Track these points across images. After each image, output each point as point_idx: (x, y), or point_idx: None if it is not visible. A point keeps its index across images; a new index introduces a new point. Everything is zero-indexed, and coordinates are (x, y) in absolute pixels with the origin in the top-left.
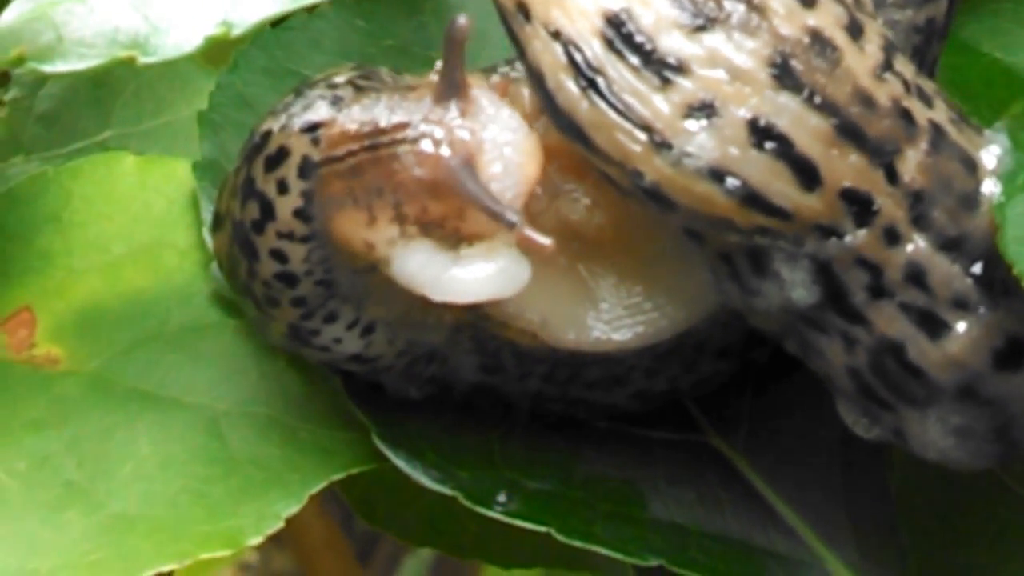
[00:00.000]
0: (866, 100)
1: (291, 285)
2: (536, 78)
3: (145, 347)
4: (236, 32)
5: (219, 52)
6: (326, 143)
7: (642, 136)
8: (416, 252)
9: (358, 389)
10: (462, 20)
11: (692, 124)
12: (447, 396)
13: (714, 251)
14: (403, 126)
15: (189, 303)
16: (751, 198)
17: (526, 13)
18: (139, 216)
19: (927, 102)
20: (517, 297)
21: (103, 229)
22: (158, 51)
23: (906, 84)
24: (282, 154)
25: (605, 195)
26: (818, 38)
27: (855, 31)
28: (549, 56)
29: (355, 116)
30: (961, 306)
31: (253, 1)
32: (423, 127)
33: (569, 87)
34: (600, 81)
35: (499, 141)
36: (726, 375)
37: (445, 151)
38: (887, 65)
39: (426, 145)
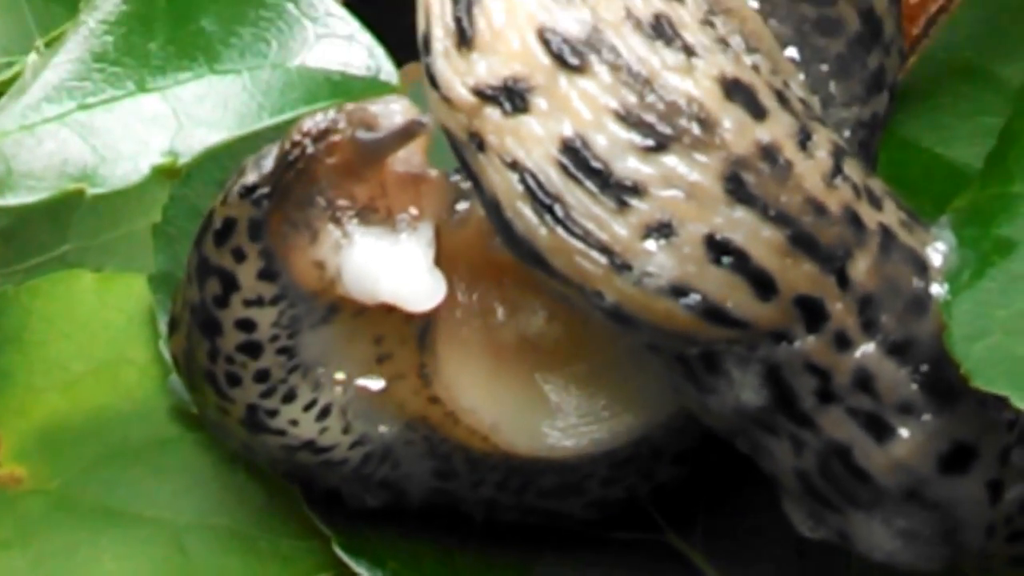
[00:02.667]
0: (818, 208)
1: (255, 356)
2: (492, 206)
3: (107, 464)
4: (183, 161)
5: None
6: (264, 196)
7: (602, 259)
8: (360, 248)
9: (317, 498)
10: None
11: (651, 244)
12: (404, 504)
13: (670, 356)
14: (308, 132)
15: (149, 418)
16: (711, 313)
17: (480, 143)
18: (98, 333)
19: (876, 204)
20: (469, 393)
21: (63, 347)
22: (106, 182)
23: (855, 188)
24: (228, 224)
25: (561, 308)
26: (768, 150)
27: (804, 139)
28: (505, 185)
29: (272, 153)
30: (907, 411)
31: (199, 131)
32: (323, 123)
33: (527, 215)
34: (558, 208)
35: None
36: (682, 480)
37: (345, 129)
38: (837, 170)
39: (331, 136)
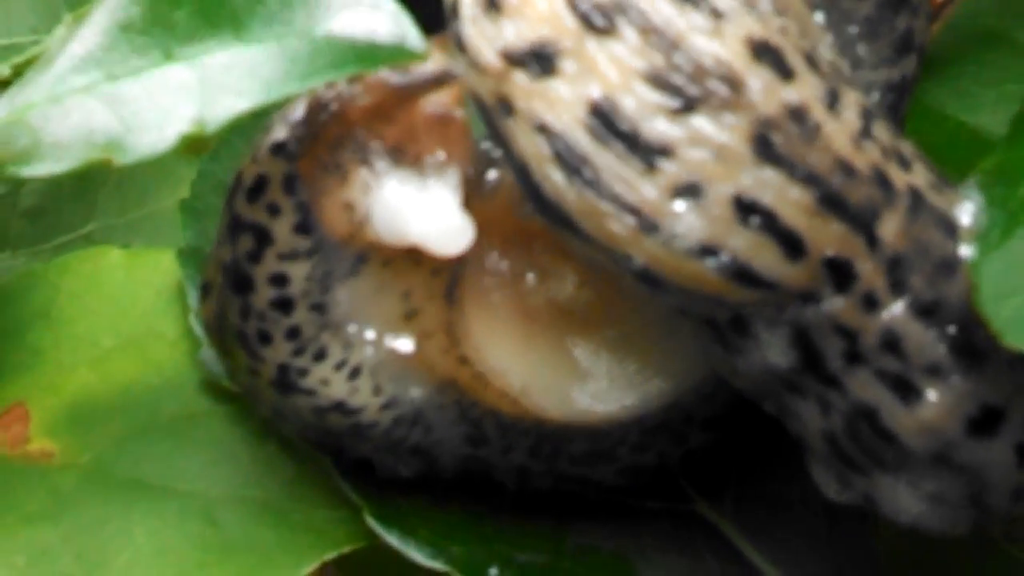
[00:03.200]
0: (846, 168)
1: (287, 312)
2: (521, 171)
3: (137, 438)
4: (210, 129)
5: (200, 139)
6: (295, 150)
7: (631, 221)
8: (389, 189)
9: (349, 469)
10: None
11: (679, 205)
12: (436, 472)
13: (700, 320)
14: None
15: (179, 392)
16: (740, 274)
17: (508, 108)
18: (127, 309)
19: (906, 166)
20: (499, 354)
21: (92, 323)
22: (133, 152)
23: (884, 149)
24: (260, 181)
25: (592, 273)
26: (797, 111)
27: (832, 101)
28: (534, 149)
29: (301, 104)
30: (935, 373)
31: (226, 98)
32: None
33: (556, 178)
34: (586, 170)
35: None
36: (713, 447)
37: (379, 73)
38: (865, 132)
39: (365, 78)
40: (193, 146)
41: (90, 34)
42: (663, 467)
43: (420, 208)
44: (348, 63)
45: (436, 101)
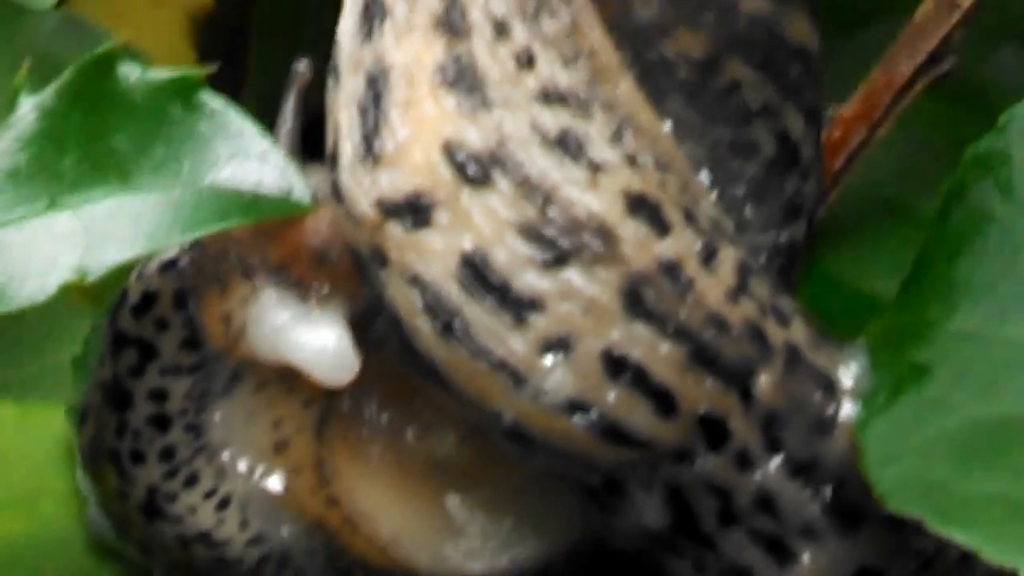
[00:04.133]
0: (719, 324)
1: (163, 430)
2: (394, 323)
3: None
4: (92, 278)
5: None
6: (186, 266)
7: (500, 376)
8: (267, 303)
9: None
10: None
11: (548, 360)
12: None
13: (575, 481)
14: None
15: (65, 550)
16: (610, 432)
17: (382, 259)
18: (17, 465)
19: (784, 322)
20: (370, 499)
21: None
22: (13, 300)
23: (761, 306)
24: (150, 297)
25: (472, 431)
26: (670, 266)
27: (708, 256)
28: (406, 301)
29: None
30: (809, 534)
31: (109, 248)
32: None
33: (426, 331)
34: (457, 323)
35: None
36: None
37: None
38: (742, 288)
39: None
40: (86, 295)
41: None
42: None
43: (301, 330)
44: (233, 214)
45: (319, 233)
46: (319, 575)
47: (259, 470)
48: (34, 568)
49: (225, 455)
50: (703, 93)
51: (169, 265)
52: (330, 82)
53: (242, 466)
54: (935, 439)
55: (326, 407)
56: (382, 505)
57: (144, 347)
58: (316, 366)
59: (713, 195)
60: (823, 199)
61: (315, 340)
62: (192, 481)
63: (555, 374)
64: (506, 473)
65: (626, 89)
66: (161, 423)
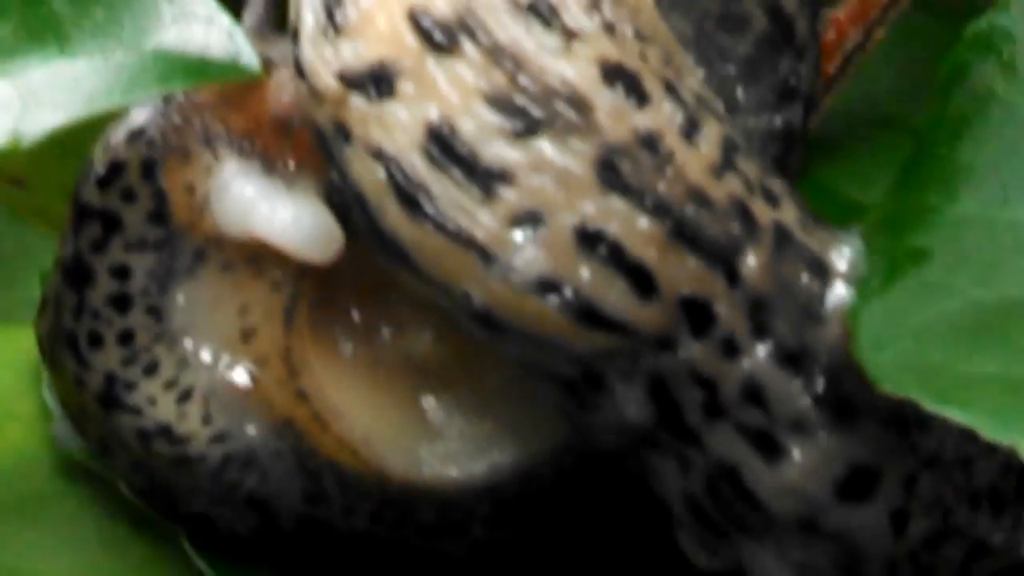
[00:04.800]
0: (701, 199)
1: (122, 311)
2: (358, 202)
3: None
4: (26, 143)
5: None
6: (154, 135)
7: (468, 254)
8: (232, 176)
9: (202, 545)
10: None
11: (518, 235)
12: (276, 532)
13: (553, 377)
14: None
15: (31, 474)
16: (585, 312)
17: (346, 134)
18: None
19: (773, 202)
20: (341, 396)
21: None
22: None
23: (748, 183)
24: (116, 167)
25: (451, 328)
26: (648, 138)
27: (691, 130)
28: (370, 177)
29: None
30: (799, 428)
31: (44, 112)
32: None
33: (391, 209)
34: (423, 198)
35: None
36: (576, 533)
37: None
38: (727, 163)
39: None
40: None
41: None
42: (523, 547)
43: (272, 202)
44: (176, 77)
45: (280, 102)
46: (287, 478)
47: (224, 361)
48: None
49: (188, 343)
50: None
51: (137, 134)
52: None
53: (206, 356)
54: (933, 322)
55: (295, 292)
56: (354, 402)
57: (109, 219)
58: (291, 239)
59: (701, 73)
60: (818, 101)
61: (287, 212)
62: (152, 369)
63: (525, 250)
64: (485, 374)
65: None
66: (121, 303)
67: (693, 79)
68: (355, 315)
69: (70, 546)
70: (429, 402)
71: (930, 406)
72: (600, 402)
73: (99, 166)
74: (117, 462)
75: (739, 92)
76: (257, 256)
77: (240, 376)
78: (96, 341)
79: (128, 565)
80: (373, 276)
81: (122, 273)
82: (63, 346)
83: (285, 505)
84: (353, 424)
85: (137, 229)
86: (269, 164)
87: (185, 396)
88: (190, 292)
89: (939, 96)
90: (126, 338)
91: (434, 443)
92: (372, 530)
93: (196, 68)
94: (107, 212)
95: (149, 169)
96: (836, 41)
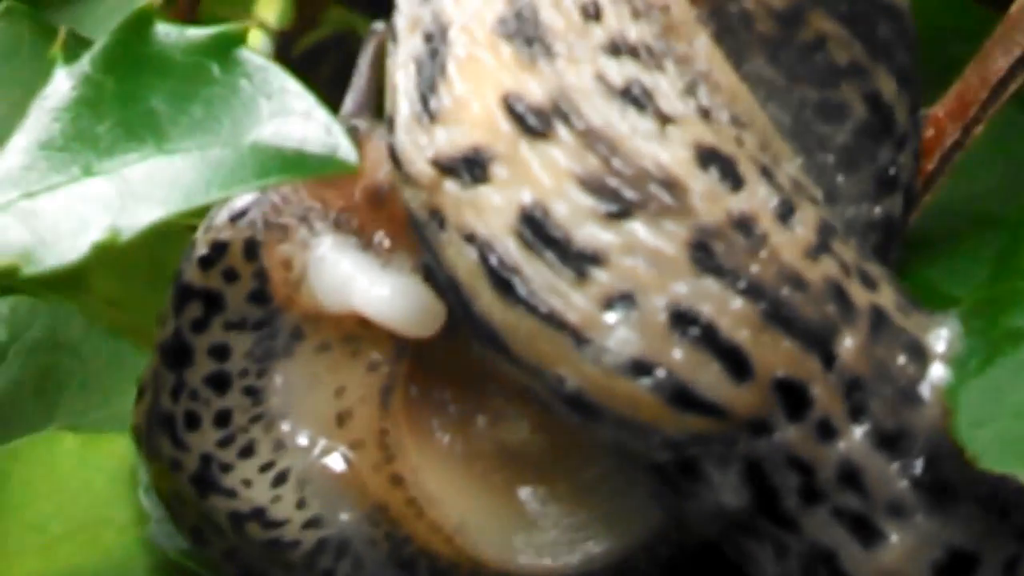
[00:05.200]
0: (796, 281)
1: (221, 391)
2: (452, 288)
3: None
4: (124, 238)
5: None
6: (256, 216)
7: (561, 336)
8: (329, 251)
9: None
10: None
11: (611, 317)
12: None
13: (648, 465)
14: None
15: None
16: (678, 394)
17: (440, 220)
18: (78, 494)
19: (870, 285)
20: (437, 482)
21: (42, 509)
22: (44, 261)
23: (844, 266)
24: (219, 248)
25: (548, 419)
26: (742, 220)
27: (786, 213)
28: (463, 261)
29: None
30: (897, 511)
31: (143, 207)
32: None
33: (485, 292)
34: (516, 282)
35: None
36: None
37: None
38: (823, 246)
39: None
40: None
41: (11, 155)
42: None
43: (369, 276)
44: (274, 172)
45: (374, 176)
46: (380, 567)
47: (320, 445)
48: None
49: (284, 426)
50: (786, 49)
51: (239, 215)
52: (390, 45)
53: (302, 439)
54: None
55: (393, 374)
56: (450, 489)
57: (210, 298)
58: (390, 313)
59: (800, 161)
60: (917, 194)
61: (385, 286)
62: (248, 452)
63: (618, 331)
64: (581, 465)
65: (702, 44)
66: (220, 383)
67: (791, 165)
68: (452, 407)
69: None
70: (525, 492)
71: None
72: (696, 489)
73: (202, 247)
74: (211, 550)
75: (838, 180)
76: (354, 337)
77: (335, 461)
78: (193, 422)
79: None
80: (470, 367)
81: (221, 353)
82: (160, 428)
83: None
84: (448, 511)
85: (238, 308)
86: (365, 240)
87: (280, 480)
88: (287, 373)
89: None
90: (223, 419)
91: (529, 533)
92: None
93: (294, 162)
94: (209, 292)
95: (251, 249)
96: (935, 138)
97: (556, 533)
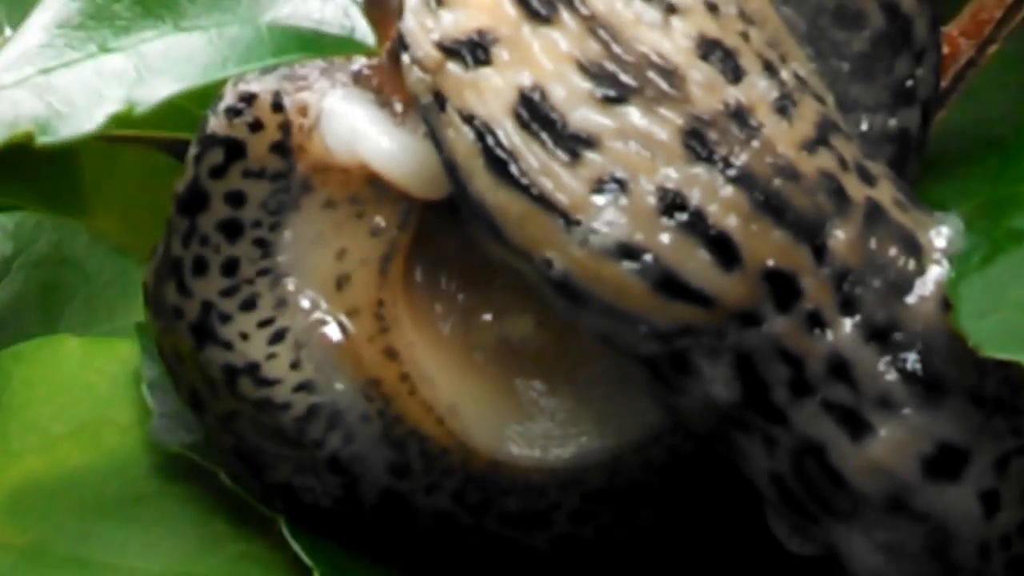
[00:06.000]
0: (789, 172)
1: (232, 238)
2: (450, 168)
3: (81, 518)
4: (139, 110)
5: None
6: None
7: (550, 217)
8: (345, 100)
9: (300, 532)
10: None
11: (600, 200)
12: (357, 503)
13: (638, 359)
14: None
15: (127, 475)
16: (664, 280)
17: (442, 102)
18: (80, 396)
19: (868, 180)
20: (431, 360)
21: (43, 410)
22: (58, 131)
23: (842, 160)
24: (248, 98)
25: (551, 315)
26: (738, 111)
27: (785, 105)
28: (462, 141)
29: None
30: (886, 405)
31: (159, 81)
32: None
33: (481, 172)
34: (511, 164)
35: None
36: (664, 535)
37: None
38: (820, 140)
39: None
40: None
41: (28, 33)
42: (606, 545)
43: (381, 129)
44: (291, 50)
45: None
46: (370, 443)
47: (320, 309)
48: (96, 492)
49: (289, 284)
50: None
51: (270, 68)
52: None
53: (304, 301)
54: None
55: (394, 242)
56: (444, 371)
57: (233, 146)
58: (396, 168)
59: (813, 66)
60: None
61: (395, 142)
62: (250, 305)
63: (606, 214)
64: (580, 362)
65: None
66: (232, 229)
67: (800, 65)
68: (458, 296)
69: (167, 543)
70: (521, 383)
71: None
72: (687, 383)
73: (230, 98)
74: (207, 416)
75: (854, 89)
76: (359, 198)
77: (332, 329)
78: (201, 267)
79: (226, 558)
80: (479, 259)
81: (237, 200)
82: (167, 275)
83: (369, 474)
84: (441, 392)
85: (259, 157)
86: (383, 99)
87: (277, 338)
88: (295, 228)
89: None
90: (230, 267)
91: (522, 423)
92: (454, 513)
93: (311, 42)
94: (232, 140)
95: (278, 100)
96: (948, 56)
97: (549, 426)
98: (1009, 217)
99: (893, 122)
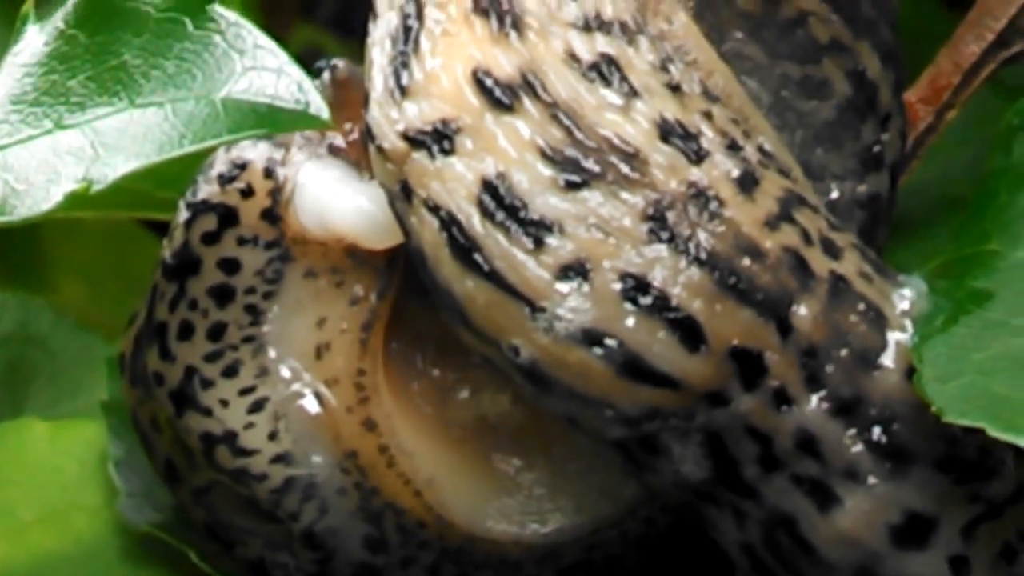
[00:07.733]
0: (752, 251)
1: (222, 304)
2: (419, 259)
3: None
4: (96, 188)
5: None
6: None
7: (516, 305)
8: (309, 175)
9: None
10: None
11: (564, 286)
12: None
13: (609, 441)
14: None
15: (98, 561)
16: (630, 365)
17: (407, 191)
18: (48, 480)
19: (833, 253)
20: (411, 434)
21: (12, 495)
22: (17, 211)
23: (806, 235)
24: (240, 165)
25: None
26: (700, 191)
27: (747, 184)
28: (428, 231)
29: None
30: (852, 476)
31: (116, 159)
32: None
33: (447, 262)
34: (476, 253)
35: None
36: None
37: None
38: (784, 216)
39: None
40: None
41: None
42: None
43: (346, 195)
44: (246, 126)
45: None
46: (346, 516)
47: (299, 380)
48: None
49: (272, 352)
50: (768, 26)
51: (260, 136)
52: (370, 24)
53: (284, 371)
54: (997, 357)
55: (374, 311)
56: (423, 444)
57: (226, 213)
58: (360, 228)
59: (780, 137)
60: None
61: (360, 203)
62: (232, 372)
63: (570, 300)
64: (557, 440)
65: (680, 21)
66: (224, 296)
67: (766, 138)
68: (434, 372)
69: None
70: (499, 459)
71: (996, 433)
72: (657, 463)
73: (222, 165)
74: (181, 490)
75: (822, 158)
76: (339, 268)
77: (311, 402)
78: (186, 332)
79: None
80: (455, 337)
81: (231, 267)
82: (149, 341)
83: (344, 548)
84: (420, 464)
85: (252, 225)
86: (359, 171)
87: (257, 407)
88: (280, 298)
89: (1001, 146)
90: (217, 332)
91: (500, 499)
92: None
93: (266, 117)
94: (224, 207)
95: (270, 168)
96: (908, 123)
97: (526, 502)
98: (972, 277)
99: (863, 188)
